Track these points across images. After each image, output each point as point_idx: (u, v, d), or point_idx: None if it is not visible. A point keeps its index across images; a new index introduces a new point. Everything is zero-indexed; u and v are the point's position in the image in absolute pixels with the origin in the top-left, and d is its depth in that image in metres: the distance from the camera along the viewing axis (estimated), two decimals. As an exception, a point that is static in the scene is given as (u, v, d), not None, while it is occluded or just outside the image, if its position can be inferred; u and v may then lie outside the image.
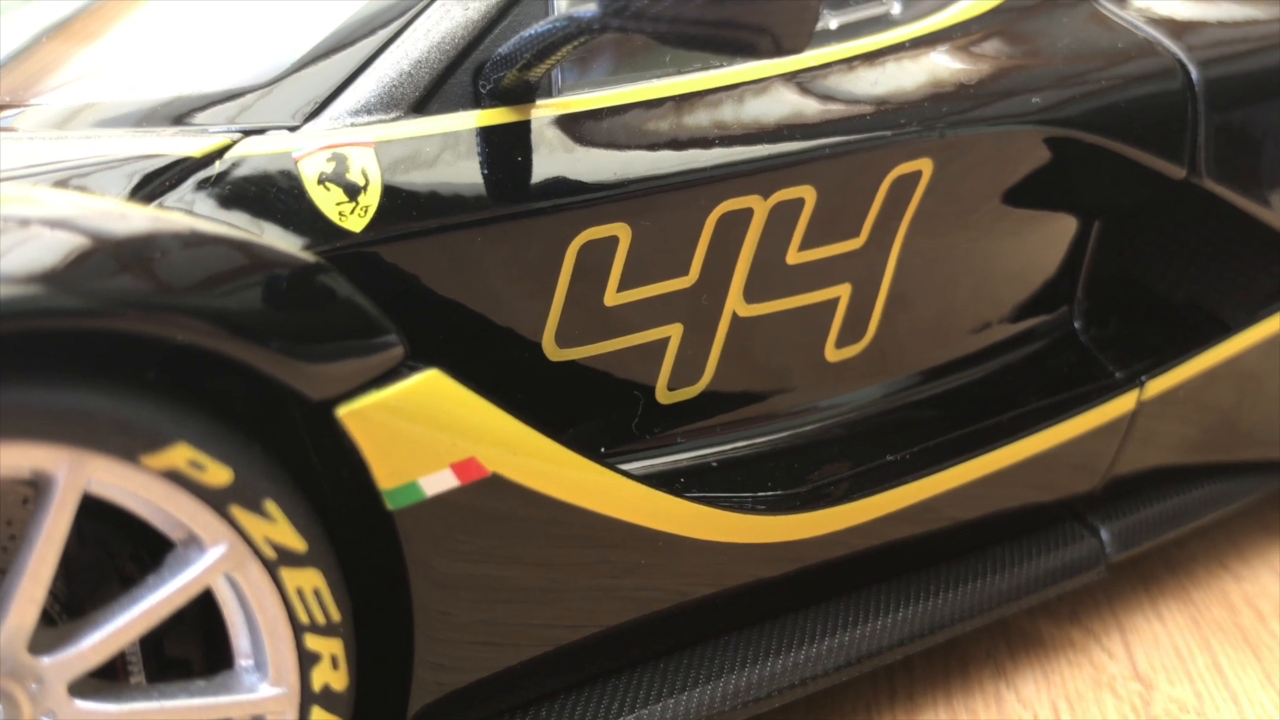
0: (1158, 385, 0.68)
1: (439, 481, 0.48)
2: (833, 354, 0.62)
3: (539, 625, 0.54)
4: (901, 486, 0.62)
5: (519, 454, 0.50)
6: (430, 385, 0.47)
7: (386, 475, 0.46)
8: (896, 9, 0.65)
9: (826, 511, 0.59)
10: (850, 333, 0.61)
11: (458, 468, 0.48)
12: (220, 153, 0.48)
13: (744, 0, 0.46)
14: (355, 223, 0.48)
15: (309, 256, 0.46)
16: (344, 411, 0.45)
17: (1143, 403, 0.68)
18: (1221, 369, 0.71)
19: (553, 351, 0.54)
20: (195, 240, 0.43)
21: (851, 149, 0.58)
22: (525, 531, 0.52)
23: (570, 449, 0.52)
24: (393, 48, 0.53)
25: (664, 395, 0.58)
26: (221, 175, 0.47)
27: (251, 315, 0.44)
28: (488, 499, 0.49)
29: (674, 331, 0.56)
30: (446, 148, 0.51)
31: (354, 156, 0.49)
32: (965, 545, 0.67)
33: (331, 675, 0.47)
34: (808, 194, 0.57)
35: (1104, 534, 0.69)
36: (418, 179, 0.50)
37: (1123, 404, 0.68)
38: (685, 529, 0.55)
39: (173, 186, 0.47)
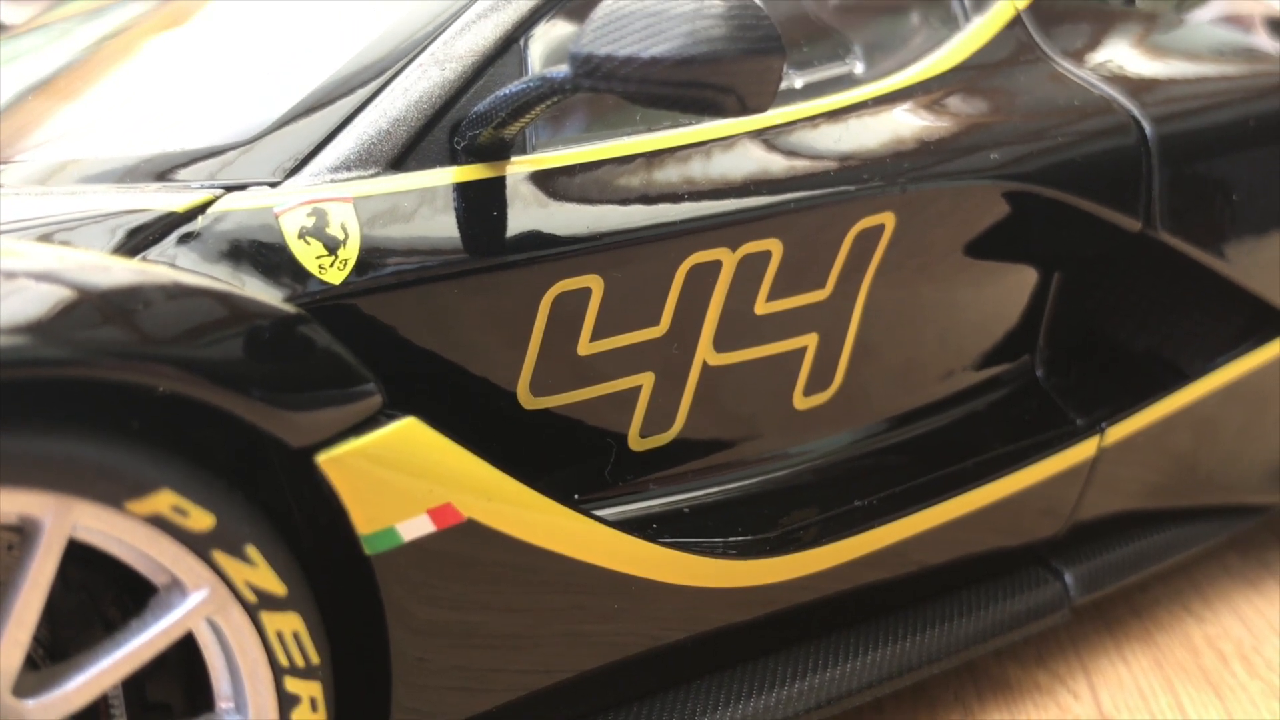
0: (1118, 432, 0.70)
1: (416, 527, 0.48)
2: (801, 402, 0.63)
3: (514, 670, 0.55)
4: (869, 531, 0.62)
5: (494, 500, 0.51)
6: (407, 433, 0.48)
7: (365, 521, 0.47)
8: (859, 69, 0.67)
9: (796, 556, 0.60)
10: (818, 381, 0.62)
11: (434, 513, 0.49)
12: (203, 208, 0.49)
13: (710, 61, 0.47)
14: (335, 275, 0.49)
15: (289, 308, 0.47)
16: (323, 458, 0.46)
17: (1104, 449, 0.69)
18: (1180, 416, 0.72)
19: (527, 400, 0.55)
20: (178, 292, 0.44)
21: (816, 203, 0.59)
22: (500, 576, 0.53)
23: (545, 495, 0.52)
24: (372, 106, 0.54)
25: (636, 442, 0.59)
26: (204, 230, 0.48)
27: (233, 365, 0.45)
28: (464, 544, 0.50)
29: (646, 380, 0.58)
30: (424, 203, 0.52)
31: (334, 211, 0.51)
32: (932, 589, 0.68)
33: (310, 717, 0.48)
34: (774, 247, 0.58)
35: (1068, 578, 0.70)
36: (396, 233, 0.51)
37: (1084, 450, 0.69)
38: (658, 574, 0.56)
39: (156, 240, 0.48)
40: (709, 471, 0.61)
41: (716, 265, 0.57)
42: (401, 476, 0.48)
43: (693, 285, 0.57)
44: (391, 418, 0.47)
